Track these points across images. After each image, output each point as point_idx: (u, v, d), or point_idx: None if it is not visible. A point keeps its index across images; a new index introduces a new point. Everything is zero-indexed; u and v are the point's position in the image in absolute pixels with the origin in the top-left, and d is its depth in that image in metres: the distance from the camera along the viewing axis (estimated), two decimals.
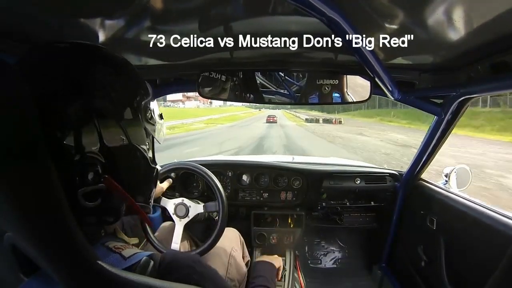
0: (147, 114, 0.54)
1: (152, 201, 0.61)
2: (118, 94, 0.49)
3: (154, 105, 0.57)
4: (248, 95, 1.02)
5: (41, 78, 0.43)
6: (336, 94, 1.00)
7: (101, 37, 0.72)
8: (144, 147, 0.54)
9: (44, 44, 0.48)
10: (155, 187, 0.61)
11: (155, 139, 0.59)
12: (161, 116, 0.62)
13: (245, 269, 1.16)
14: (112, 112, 0.48)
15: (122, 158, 0.50)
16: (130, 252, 0.47)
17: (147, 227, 1.01)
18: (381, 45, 0.79)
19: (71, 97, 0.44)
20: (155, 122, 0.57)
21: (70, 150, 0.43)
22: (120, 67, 0.52)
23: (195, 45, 0.84)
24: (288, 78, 1.02)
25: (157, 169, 0.60)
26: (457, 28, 0.62)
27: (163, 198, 1.09)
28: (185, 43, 0.82)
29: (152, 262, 0.48)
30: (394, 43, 0.77)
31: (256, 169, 1.66)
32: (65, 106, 0.43)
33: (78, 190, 0.43)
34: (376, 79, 0.88)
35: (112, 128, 0.48)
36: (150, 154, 0.57)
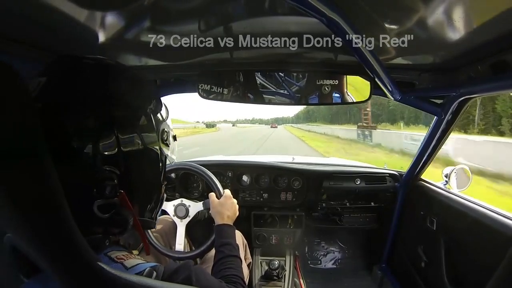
0: (163, 136, 0.57)
1: (158, 215, 0.64)
2: (134, 110, 0.52)
3: (169, 126, 0.61)
4: (248, 95, 1.02)
5: (65, 90, 0.46)
6: (336, 95, 1.00)
7: (101, 37, 0.72)
8: (159, 169, 0.58)
9: (71, 58, 0.51)
10: (162, 202, 0.64)
11: (167, 159, 0.62)
12: (175, 138, 0.65)
13: (246, 270, 1.16)
14: (130, 127, 0.51)
15: (137, 179, 0.53)
16: (132, 262, 0.48)
17: (149, 231, 1.01)
18: (381, 45, 0.79)
19: (93, 110, 0.46)
20: (170, 144, 0.60)
21: (91, 161, 0.45)
22: (135, 83, 0.55)
23: (195, 45, 0.84)
24: (288, 79, 1.02)
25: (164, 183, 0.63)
26: (457, 28, 0.62)
27: None
28: (185, 43, 0.82)
29: (155, 273, 0.48)
30: (394, 43, 0.77)
31: (256, 170, 1.66)
32: (87, 118, 0.46)
33: (95, 201, 0.46)
34: (376, 79, 0.88)
35: (132, 146, 0.51)
36: (162, 172, 0.61)
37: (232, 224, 0.92)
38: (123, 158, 0.48)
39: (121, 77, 0.53)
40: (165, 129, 0.58)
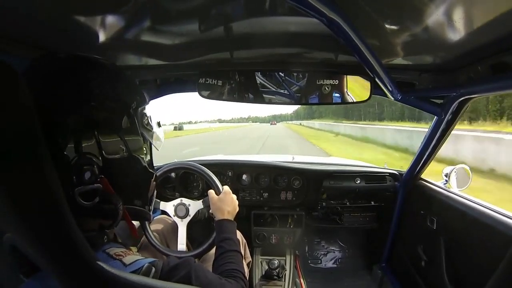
0: (144, 120, 0.56)
1: (152, 207, 0.63)
2: (114, 102, 0.51)
3: (151, 111, 0.59)
4: (248, 95, 1.02)
5: (43, 88, 0.45)
6: (336, 95, 1.00)
7: (101, 37, 0.72)
8: (142, 155, 0.57)
9: (46, 56, 0.51)
10: (154, 192, 0.63)
11: (153, 146, 0.61)
12: (159, 124, 0.63)
13: (246, 270, 1.16)
14: (109, 120, 0.50)
15: (119, 166, 0.52)
16: (130, 259, 0.48)
17: (147, 228, 1.01)
18: (381, 45, 0.79)
19: (70, 106, 0.46)
20: (152, 128, 0.59)
21: (69, 151, 0.45)
22: (115, 75, 0.55)
23: (195, 45, 0.84)
24: (288, 78, 1.01)
25: (155, 174, 0.62)
26: (457, 29, 0.62)
27: (161, 202, 1.09)
28: (185, 43, 0.82)
29: (153, 269, 0.48)
30: (394, 43, 0.77)
31: (256, 169, 1.66)
32: (66, 115, 0.45)
33: (75, 189, 0.45)
34: (376, 80, 0.87)
35: (110, 136, 0.50)
36: (147, 159, 0.59)
37: (232, 219, 0.92)
38: (101, 145, 0.48)
39: (93, 67, 0.52)
40: (146, 113, 0.57)
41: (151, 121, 0.58)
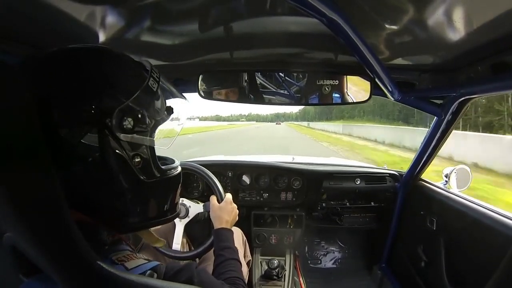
0: (125, 123, 0.45)
1: (177, 210, 0.60)
2: (112, 98, 0.44)
3: (154, 102, 0.50)
4: (248, 95, 1.02)
5: (38, 83, 0.42)
6: (336, 95, 1.00)
7: (101, 37, 0.72)
8: (129, 160, 0.46)
9: (43, 51, 0.46)
10: (177, 194, 0.58)
11: (155, 146, 0.51)
12: (169, 110, 0.53)
13: (246, 268, 1.16)
14: (97, 122, 0.43)
15: (89, 179, 0.44)
16: (133, 263, 0.47)
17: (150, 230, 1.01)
18: (381, 45, 0.79)
19: (65, 101, 0.42)
20: (147, 127, 0.49)
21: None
22: (118, 65, 0.49)
23: (195, 45, 0.84)
24: (288, 79, 1.02)
25: (159, 180, 0.52)
26: (457, 29, 0.62)
27: None
28: (185, 43, 0.82)
29: (155, 275, 0.48)
30: (394, 44, 0.77)
31: (256, 170, 1.66)
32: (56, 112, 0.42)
33: None
34: (376, 80, 0.87)
35: (96, 139, 0.43)
36: (141, 166, 0.48)
37: (231, 228, 0.92)
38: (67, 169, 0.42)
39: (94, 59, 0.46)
40: (124, 110, 0.44)
41: (143, 118, 0.48)
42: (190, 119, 0.55)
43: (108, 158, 0.44)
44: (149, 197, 0.52)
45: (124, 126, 0.45)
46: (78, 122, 0.42)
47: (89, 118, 0.43)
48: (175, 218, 0.59)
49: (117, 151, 0.45)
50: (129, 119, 0.45)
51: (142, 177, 0.48)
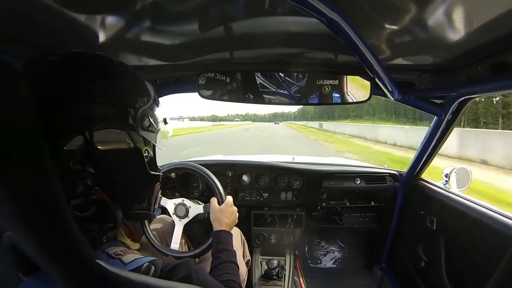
0: (145, 122, 0.54)
1: (156, 207, 0.63)
2: (112, 102, 0.50)
3: (157, 110, 0.58)
4: (248, 95, 1.02)
5: (39, 88, 0.44)
6: (336, 95, 1.01)
7: (101, 37, 0.72)
8: (143, 158, 0.55)
9: (42, 55, 0.49)
10: (157, 194, 0.63)
11: (156, 146, 0.60)
12: (165, 121, 0.62)
13: (245, 268, 1.16)
14: (107, 121, 0.49)
15: (118, 172, 0.52)
16: (130, 258, 0.48)
17: (147, 227, 1.01)
18: (381, 45, 0.79)
19: (65, 105, 0.45)
20: (155, 129, 0.57)
21: (60, 160, 0.44)
22: (117, 73, 0.53)
23: (195, 45, 0.84)
24: (288, 79, 1.02)
25: (159, 176, 0.61)
26: (457, 29, 0.62)
27: (163, 198, 1.09)
28: (185, 43, 0.82)
29: (153, 268, 0.48)
30: (394, 43, 0.77)
31: (256, 169, 1.66)
32: (58, 115, 0.44)
33: (69, 200, 0.45)
34: (376, 80, 0.87)
35: (107, 139, 0.49)
36: (149, 162, 0.58)
37: (230, 231, 0.92)
38: (96, 156, 0.47)
39: (92, 66, 0.50)
40: (146, 114, 0.54)
41: (153, 121, 0.56)
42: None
43: (129, 147, 0.53)
44: (149, 189, 0.60)
45: (143, 124, 0.54)
46: (116, 116, 0.50)
47: (120, 112, 0.51)
48: (151, 218, 0.65)
49: (137, 144, 0.54)
50: (147, 119, 0.55)
51: (148, 169, 0.57)
